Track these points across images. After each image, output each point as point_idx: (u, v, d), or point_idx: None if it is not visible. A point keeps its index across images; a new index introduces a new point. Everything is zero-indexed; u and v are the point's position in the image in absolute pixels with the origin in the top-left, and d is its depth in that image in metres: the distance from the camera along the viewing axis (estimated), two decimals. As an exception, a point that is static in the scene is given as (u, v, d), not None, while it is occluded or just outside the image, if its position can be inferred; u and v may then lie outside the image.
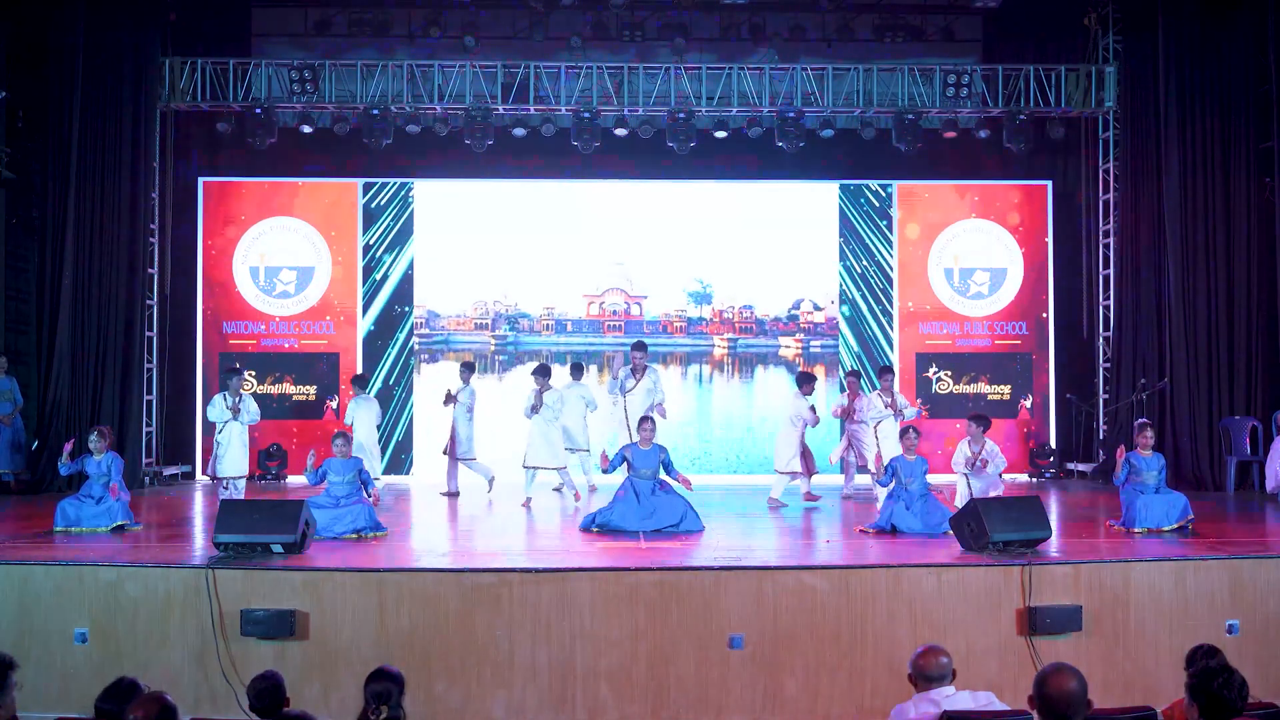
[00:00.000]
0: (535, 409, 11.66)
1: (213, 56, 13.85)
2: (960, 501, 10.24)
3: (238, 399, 11.13)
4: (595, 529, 9.55)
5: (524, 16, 14.18)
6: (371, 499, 9.55)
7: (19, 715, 4.54)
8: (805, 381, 12.02)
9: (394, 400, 14.53)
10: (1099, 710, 4.47)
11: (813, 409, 11.86)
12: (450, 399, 12.34)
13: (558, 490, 12.24)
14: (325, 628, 7.38)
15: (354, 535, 9.11)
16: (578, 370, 13.09)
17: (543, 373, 11.94)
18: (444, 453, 12.59)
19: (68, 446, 9.94)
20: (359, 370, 14.16)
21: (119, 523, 9.58)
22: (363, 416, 12.28)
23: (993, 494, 10.09)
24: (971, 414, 11.12)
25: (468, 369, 12.74)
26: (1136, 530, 9.23)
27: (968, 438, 10.58)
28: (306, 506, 8.46)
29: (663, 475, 9.89)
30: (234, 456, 11.06)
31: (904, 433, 10.15)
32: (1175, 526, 9.27)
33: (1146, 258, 13.42)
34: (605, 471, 10.20)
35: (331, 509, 9.21)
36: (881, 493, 10.21)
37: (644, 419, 10.32)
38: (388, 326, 14.69)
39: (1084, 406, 14.39)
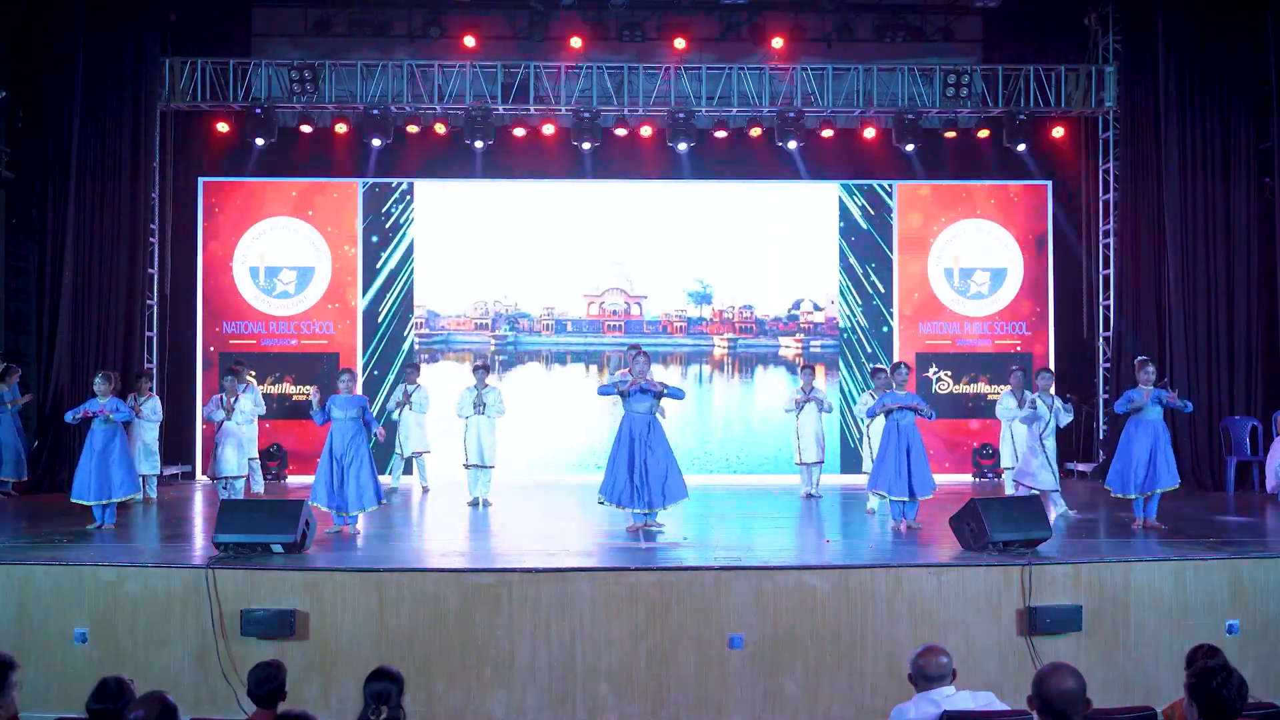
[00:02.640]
0: (480, 407, 11.96)
1: (213, 56, 13.84)
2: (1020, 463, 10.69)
3: (233, 399, 11.12)
4: (616, 505, 9.59)
5: (524, 16, 14.17)
6: (378, 436, 9.75)
7: (19, 715, 4.54)
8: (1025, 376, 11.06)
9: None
10: (1099, 710, 4.47)
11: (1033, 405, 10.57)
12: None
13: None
14: (325, 628, 7.38)
15: (366, 510, 9.36)
16: (414, 370, 13.17)
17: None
18: None
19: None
20: (359, 371, 14.19)
21: (123, 498, 9.66)
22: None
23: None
24: (1013, 368, 11.25)
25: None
26: (1130, 496, 9.54)
27: (1010, 388, 10.82)
28: (306, 506, 8.46)
29: (663, 404, 9.73)
30: (229, 457, 11.05)
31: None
32: (1160, 491, 9.49)
33: (1146, 258, 13.42)
34: (600, 394, 10.15)
35: (336, 485, 9.29)
36: None
37: (639, 353, 10.02)
38: (388, 326, 14.69)
39: (1084, 406, 14.38)
